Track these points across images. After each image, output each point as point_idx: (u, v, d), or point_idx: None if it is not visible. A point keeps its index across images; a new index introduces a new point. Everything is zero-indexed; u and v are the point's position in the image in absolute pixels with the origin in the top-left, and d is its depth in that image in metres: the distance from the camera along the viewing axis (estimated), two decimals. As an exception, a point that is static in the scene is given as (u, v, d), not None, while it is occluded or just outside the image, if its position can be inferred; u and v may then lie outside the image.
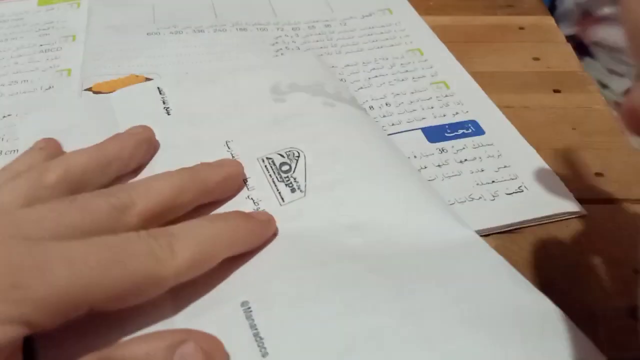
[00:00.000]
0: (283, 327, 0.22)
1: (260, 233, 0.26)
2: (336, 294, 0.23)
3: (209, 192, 0.27)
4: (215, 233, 0.24)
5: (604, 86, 0.67)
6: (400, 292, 0.23)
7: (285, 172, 0.29)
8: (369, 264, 0.25)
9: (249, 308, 0.23)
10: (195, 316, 0.23)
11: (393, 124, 0.35)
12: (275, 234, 0.26)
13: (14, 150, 0.32)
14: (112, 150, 0.28)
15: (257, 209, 0.28)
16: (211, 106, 0.33)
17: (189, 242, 0.22)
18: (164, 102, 0.33)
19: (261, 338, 0.22)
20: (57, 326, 0.20)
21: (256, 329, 0.22)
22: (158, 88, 0.34)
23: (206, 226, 0.24)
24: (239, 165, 0.29)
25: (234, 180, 0.28)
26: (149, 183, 0.25)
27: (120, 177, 0.29)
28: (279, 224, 0.27)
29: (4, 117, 0.35)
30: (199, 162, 0.28)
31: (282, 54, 0.41)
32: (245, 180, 0.29)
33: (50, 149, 0.29)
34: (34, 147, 0.29)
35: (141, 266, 0.21)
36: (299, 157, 0.30)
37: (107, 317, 0.22)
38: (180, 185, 0.26)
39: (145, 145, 0.30)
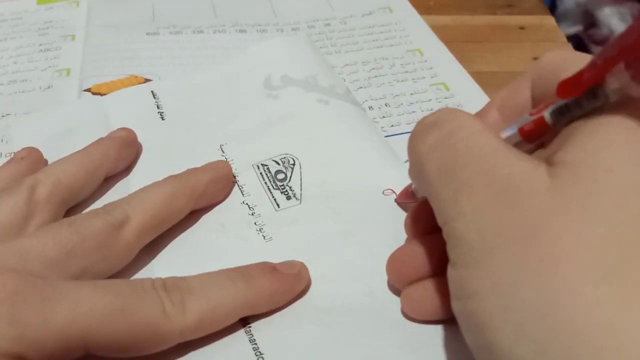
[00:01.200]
0: (283, 345, 0.23)
1: (287, 291, 0.24)
2: (335, 318, 0.23)
3: (200, 196, 0.27)
4: (233, 294, 0.22)
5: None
6: (397, 320, 0.23)
7: (281, 180, 0.29)
8: (368, 286, 0.25)
9: (248, 324, 0.23)
10: None
11: (392, 125, 0.35)
12: (307, 286, 0.25)
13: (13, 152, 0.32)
14: (97, 155, 0.28)
15: (252, 214, 0.28)
16: (205, 110, 0.33)
17: (202, 301, 0.22)
18: (158, 107, 0.33)
19: (261, 353, 0.22)
20: None
21: (255, 344, 0.22)
22: (152, 92, 0.34)
23: (225, 285, 0.22)
24: (227, 166, 0.29)
25: (223, 181, 0.28)
26: (141, 196, 0.26)
27: (109, 179, 0.29)
28: (274, 228, 0.27)
29: (3, 116, 0.35)
30: (190, 168, 0.28)
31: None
32: (240, 186, 0.29)
33: (32, 158, 0.29)
34: (15, 157, 0.29)
35: (146, 319, 0.20)
36: (294, 164, 0.30)
37: None
38: (172, 193, 0.26)
39: (128, 148, 0.30)
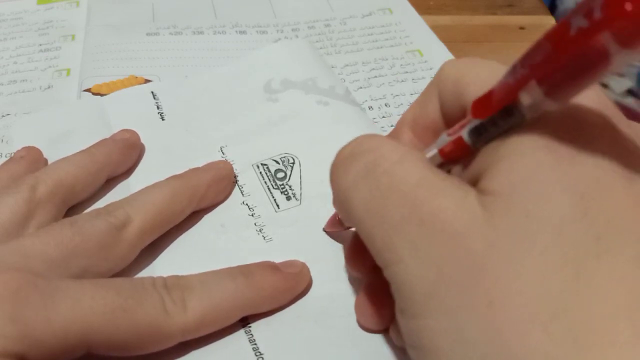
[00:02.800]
0: (282, 345, 0.23)
1: (288, 289, 0.24)
2: (334, 318, 0.24)
3: (201, 196, 0.27)
4: (234, 293, 0.22)
5: (604, 86, 0.66)
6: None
7: (281, 179, 0.29)
8: None
9: (248, 324, 0.23)
10: None
11: (392, 125, 0.35)
12: (308, 286, 0.25)
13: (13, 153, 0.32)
14: (100, 157, 0.28)
15: (252, 215, 0.28)
16: (205, 111, 0.33)
17: (203, 300, 0.22)
18: (158, 107, 0.33)
19: (261, 353, 0.22)
20: None
21: (255, 344, 0.22)
22: (152, 92, 0.34)
23: (226, 284, 0.22)
24: (228, 166, 0.29)
25: (225, 182, 0.28)
26: (143, 196, 0.25)
27: (110, 180, 0.29)
28: (274, 229, 0.27)
29: (3, 116, 0.35)
30: (191, 168, 0.28)
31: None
32: (240, 186, 0.29)
33: (31, 157, 0.29)
34: (15, 157, 0.29)
35: (148, 317, 0.20)
36: (293, 163, 0.30)
37: None
38: (173, 193, 0.26)
39: (131, 150, 0.30)
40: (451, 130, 0.18)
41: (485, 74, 0.17)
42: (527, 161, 0.15)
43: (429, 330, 0.15)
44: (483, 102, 0.16)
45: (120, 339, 0.20)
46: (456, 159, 0.18)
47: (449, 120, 0.20)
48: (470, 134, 0.17)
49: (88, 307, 0.19)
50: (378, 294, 0.22)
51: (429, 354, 0.16)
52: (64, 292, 0.19)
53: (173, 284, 0.22)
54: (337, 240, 0.27)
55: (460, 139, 0.17)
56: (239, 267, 0.24)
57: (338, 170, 0.19)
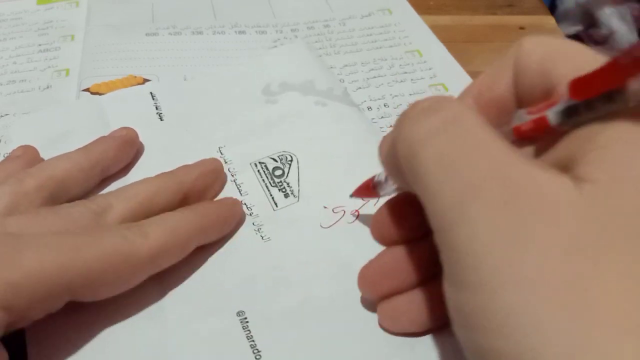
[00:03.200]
0: (280, 341, 0.23)
1: (228, 216, 0.27)
2: (333, 316, 0.24)
3: (187, 190, 0.27)
4: (184, 219, 0.25)
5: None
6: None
7: (279, 177, 0.29)
8: None
9: (245, 318, 0.23)
10: (190, 322, 0.23)
11: (391, 126, 0.35)
12: (241, 222, 0.27)
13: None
14: (95, 153, 0.28)
15: (250, 214, 0.28)
16: (204, 112, 0.33)
17: (159, 227, 0.23)
18: (156, 108, 0.33)
19: (258, 350, 0.22)
20: (40, 314, 0.20)
21: (253, 341, 0.22)
22: (151, 93, 0.34)
23: (175, 215, 0.25)
24: (217, 162, 0.29)
25: (212, 176, 0.28)
26: (127, 187, 0.26)
27: (107, 179, 0.29)
28: (272, 227, 0.27)
29: (2, 116, 0.35)
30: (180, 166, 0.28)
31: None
32: (238, 185, 0.29)
33: (28, 156, 0.29)
34: (11, 155, 0.29)
35: (114, 246, 0.21)
36: (291, 161, 0.30)
37: (96, 316, 0.22)
38: (157, 186, 0.26)
39: (128, 147, 0.30)
40: (534, 109, 0.17)
41: (573, 53, 0.16)
42: (631, 156, 0.14)
43: (490, 309, 0.14)
44: (584, 83, 0.15)
45: (94, 272, 0.21)
46: (530, 139, 0.17)
47: (523, 97, 0.19)
48: (559, 114, 0.16)
49: (55, 248, 0.20)
50: (396, 266, 0.22)
51: (490, 338, 0.14)
52: (29, 239, 0.20)
53: (129, 223, 0.24)
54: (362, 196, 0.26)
55: (543, 118, 0.16)
56: (184, 206, 0.26)
57: (409, 122, 0.17)
